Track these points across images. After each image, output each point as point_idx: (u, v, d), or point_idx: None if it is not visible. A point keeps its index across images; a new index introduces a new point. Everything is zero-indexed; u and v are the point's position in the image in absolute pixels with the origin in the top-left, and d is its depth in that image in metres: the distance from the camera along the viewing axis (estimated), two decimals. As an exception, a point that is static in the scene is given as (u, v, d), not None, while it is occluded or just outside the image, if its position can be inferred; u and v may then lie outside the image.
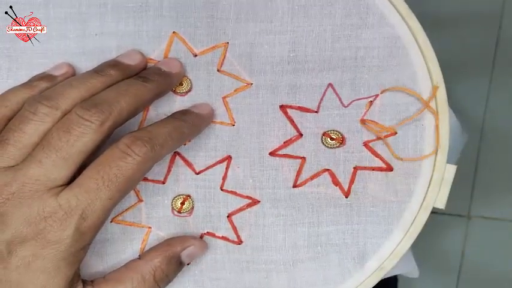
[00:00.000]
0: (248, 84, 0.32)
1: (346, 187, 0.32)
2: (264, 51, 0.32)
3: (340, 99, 0.32)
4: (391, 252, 0.32)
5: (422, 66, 0.32)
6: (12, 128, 0.27)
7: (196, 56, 0.32)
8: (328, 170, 0.32)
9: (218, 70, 0.32)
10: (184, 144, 0.32)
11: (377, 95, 0.32)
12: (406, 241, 0.32)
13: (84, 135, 0.26)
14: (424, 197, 0.32)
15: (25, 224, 0.26)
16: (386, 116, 0.32)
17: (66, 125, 0.26)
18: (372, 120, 0.32)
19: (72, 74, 0.31)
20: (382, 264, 0.32)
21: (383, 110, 0.32)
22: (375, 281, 0.32)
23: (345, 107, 0.32)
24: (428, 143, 0.32)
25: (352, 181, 0.32)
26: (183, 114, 0.30)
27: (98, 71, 0.29)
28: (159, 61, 0.32)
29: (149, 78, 0.29)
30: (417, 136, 0.32)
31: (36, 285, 0.26)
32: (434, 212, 0.32)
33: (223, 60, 0.32)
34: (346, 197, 0.32)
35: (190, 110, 0.31)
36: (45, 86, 0.30)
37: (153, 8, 0.32)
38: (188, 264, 0.32)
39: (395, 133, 0.32)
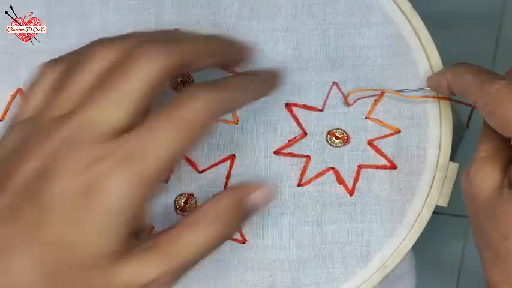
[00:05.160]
0: (252, 82, 0.32)
1: (350, 185, 0.32)
2: (268, 49, 0.32)
3: (344, 97, 0.32)
4: (395, 250, 0.32)
5: (425, 64, 0.32)
6: (67, 73, 0.24)
7: (199, 54, 0.32)
8: (332, 168, 0.32)
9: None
10: None
11: (381, 94, 0.32)
12: (409, 239, 0.32)
13: (144, 71, 0.23)
14: (428, 195, 0.32)
15: (80, 169, 0.22)
16: (391, 114, 0.32)
17: (126, 64, 0.23)
18: (376, 119, 0.32)
19: None
20: (386, 262, 0.32)
21: (387, 108, 0.32)
22: (379, 279, 0.32)
23: (350, 105, 0.32)
24: (432, 140, 0.32)
25: (356, 179, 0.32)
26: (250, 73, 0.27)
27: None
28: None
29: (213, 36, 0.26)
30: (421, 134, 0.32)
31: (92, 240, 0.22)
32: (435, 212, 0.32)
33: (227, 58, 0.32)
34: (351, 196, 0.32)
35: (257, 71, 0.28)
36: None
37: (155, 5, 0.32)
38: (254, 211, 0.28)
39: (399, 131, 0.32)
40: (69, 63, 0.25)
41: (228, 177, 0.32)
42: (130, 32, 0.26)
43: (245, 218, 0.27)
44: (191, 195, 0.32)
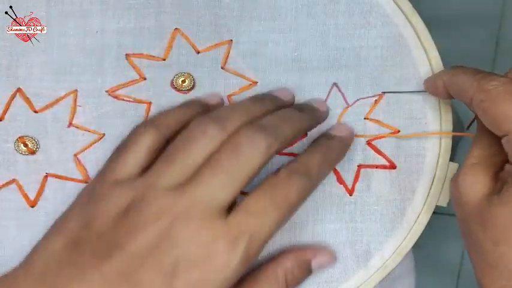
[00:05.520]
0: (253, 82, 0.32)
1: (350, 185, 0.32)
2: (269, 49, 0.32)
3: (344, 98, 0.32)
4: (395, 250, 0.32)
5: (425, 65, 0.32)
6: (179, 147, 0.27)
7: (199, 53, 0.32)
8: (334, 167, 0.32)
9: (222, 68, 0.32)
10: None
11: (381, 94, 0.32)
12: (409, 239, 0.32)
13: (252, 157, 0.26)
14: (428, 195, 0.32)
15: (193, 245, 0.25)
16: (390, 114, 0.32)
17: (236, 147, 0.26)
18: (375, 119, 0.32)
19: (223, 104, 0.31)
20: (386, 262, 0.32)
21: (387, 109, 0.32)
22: (378, 279, 0.32)
23: (349, 106, 0.32)
24: (431, 141, 0.32)
25: (356, 179, 0.32)
26: (327, 139, 0.30)
27: (256, 100, 0.30)
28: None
29: (305, 110, 0.30)
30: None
31: None
32: (435, 212, 0.32)
33: (227, 58, 0.32)
34: (350, 195, 0.32)
35: (333, 134, 0.31)
36: (200, 111, 0.30)
37: (155, 5, 0.32)
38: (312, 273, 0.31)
39: (399, 131, 0.32)
40: (173, 134, 0.28)
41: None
42: (234, 106, 0.29)
43: (305, 278, 0.30)
44: None
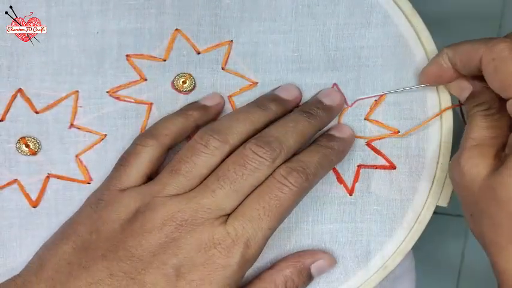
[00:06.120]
0: (253, 83, 0.32)
1: (350, 185, 0.32)
2: (269, 50, 0.32)
3: (344, 98, 0.32)
4: (395, 250, 0.32)
5: (425, 65, 0.32)
6: (184, 159, 0.28)
7: (199, 53, 0.32)
8: (333, 168, 0.32)
9: (222, 68, 0.32)
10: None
11: (382, 95, 0.32)
12: (409, 239, 0.32)
13: (257, 170, 0.28)
14: (428, 195, 0.32)
15: (196, 249, 0.27)
16: (390, 115, 0.32)
17: (242, 160, 0.28)
18: (375, 120, 0.32)
19: (223, 105, 0.32)
20: (386, 262, 0.32)
21: (387, 109, 0.32)
22: (378, 279, 0.32)
23: (350, 106, 0.32)
24: (431, 141, 0.32)
25: (356, 179, 0.32)
26: (328, 140, 0.30)
27: (259, 105, 0.30)
28: (319, 92, 0.32)
29: (312, 113, 0.30)
30: (420, 134, 0.32)
31: None
32: (435, 212, 0.33)
33: (227, 58, 0.32)
34: (350, 195, 0.32)
35: (334, 135, 0.31)
36: (199, 116, 0.31)
37: (156, 6, 0.32)
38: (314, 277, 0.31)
39: (398, 132, 0.32)
40: (174, 142, 0.30)
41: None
42: (236, 115, 0.30)
43: (307, 284, 0.31)
44: None
